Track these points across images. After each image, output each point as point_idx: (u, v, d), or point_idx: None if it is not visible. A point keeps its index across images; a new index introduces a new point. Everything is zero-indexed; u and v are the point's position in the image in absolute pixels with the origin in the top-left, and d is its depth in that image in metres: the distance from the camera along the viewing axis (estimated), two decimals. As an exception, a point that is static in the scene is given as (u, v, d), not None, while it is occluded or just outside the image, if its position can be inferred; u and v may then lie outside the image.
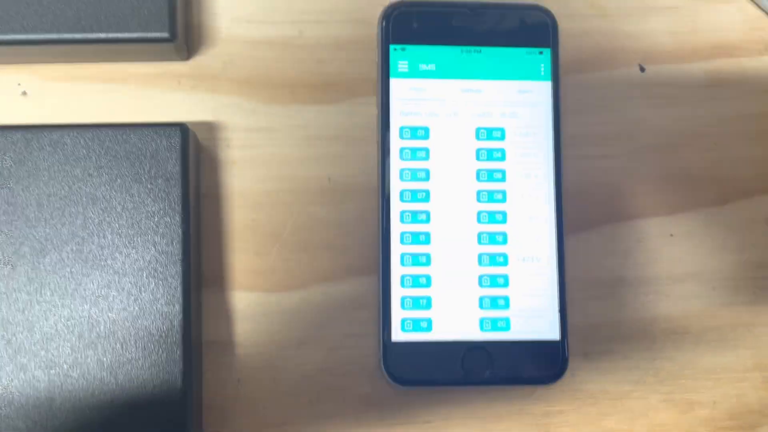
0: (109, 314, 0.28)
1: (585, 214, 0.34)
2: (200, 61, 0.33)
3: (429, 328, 0.31)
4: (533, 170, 0.32)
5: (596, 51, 0.35)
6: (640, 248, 0.34)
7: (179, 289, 0.29)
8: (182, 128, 0.30)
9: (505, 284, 0.31)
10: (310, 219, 0.33)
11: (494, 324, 0.31)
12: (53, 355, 0.28)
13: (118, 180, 0.29)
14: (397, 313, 0.31)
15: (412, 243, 0.31)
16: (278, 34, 0.33)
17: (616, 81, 0.34)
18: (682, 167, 0.34)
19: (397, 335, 0.31)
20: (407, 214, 0.32)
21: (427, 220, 0.32)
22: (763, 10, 0.35)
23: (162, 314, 0.28)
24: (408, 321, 0.31)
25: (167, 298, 0.29)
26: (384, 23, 0.32)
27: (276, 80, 0.33)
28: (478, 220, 0.32)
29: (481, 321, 0.31)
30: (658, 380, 0.33)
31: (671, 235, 0.34)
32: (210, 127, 0.33)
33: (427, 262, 0.31)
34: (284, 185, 0.33)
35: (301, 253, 0.32)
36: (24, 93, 0.32)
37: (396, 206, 0.32)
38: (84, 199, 0.29)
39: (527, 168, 0.32)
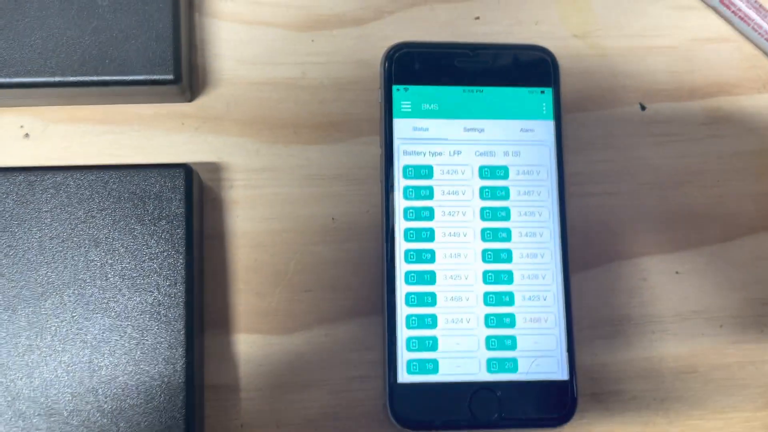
0: (111, 359, 0.28)
1: (589, 252, 0.33)
2: (204, 102, 0.33)
3: (435, 370, 0.30)
4: (537, 208, 0.32)
5: (597, 90, 0.35)
6: (645, 286, 0.33)
7: (182, 332, 0.28)
8: (186, 169, 0.30)
9: (512, 324, 0.31)
10: (314, 259, 0.32)
11: (502, 364, 0.31)
12: (53, 402, 0.28)
13: (121, 222, 0.29)
14: (403, 355, 0.30)
15: (417, 283, 0.31)
16: (281, 75, 0.34)
17: (617, 119, 0.35)
18: (685, 204, 0.34)
19: (404, 377, 0.30)
20: (412, 253, 0.31)
21: (432, 260, 0.31)
22: (760, 48, 0.36)
23: (165, 358, 0.28)
24: (414, 362, 0.30)
25: (170, 341, 0.28)
26: (387, 64, 0.33)
27: (279, 121, 0.33)
28: (484, 260, 0.32)
29: (489, 361, 0.31)
30: (667, 421, 0.32)
31: (677, 272, 0.34)
32: (213, 168, 0.33)
33: (433, 303, 0.31)
34: (287, 225, 0.32)
35: (305, 294, 0.32)
36: (26, 135, 0.32)
37: (400, 245, 0.31)
38: (86, 241, 0.29)
39: (531, 206, 0.32)
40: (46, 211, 0.29)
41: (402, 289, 0.31)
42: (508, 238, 0.32)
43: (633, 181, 0.34)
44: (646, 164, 0.34)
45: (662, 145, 0.35)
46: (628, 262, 0.34)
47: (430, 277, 0.31)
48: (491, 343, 0.31)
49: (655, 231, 0.34)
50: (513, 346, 0.31)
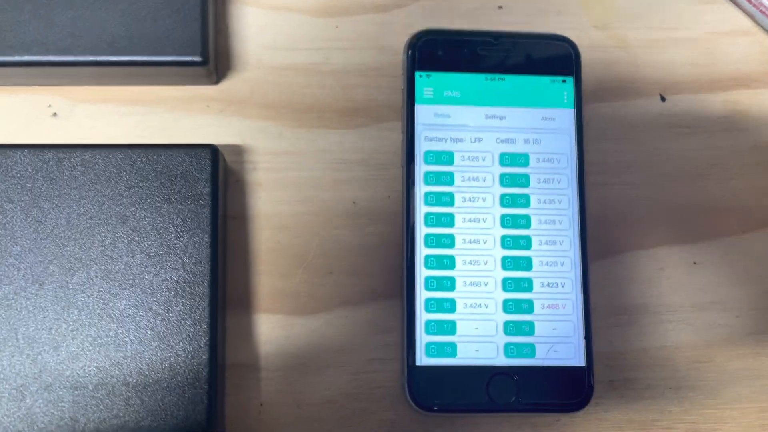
0: (136, 334, 0.28)
1: (607, 241, 0.34)
2: (228, 86, 0.33)
3: (454, 354, 0.31)
4: (557, 196, 0.32)
5: (618, 81, 0.35)
6: (662, 276, 0.34)
7: (207, 309, 0.29)
8: (212, 149, 0.30)
9: (530, 310, 0.31)
10: (335, 242, 0.33)
11: (519, 349, 0.31)
12: (78, 375, 0.28)
13: (148, 200, 0.29)
14: (421, 338, 0.31)
15: (437, 267, 0.31)
16: (305, 60, 0.34)
17: (637, 110, 0.35)
18: (703, 196, 0.35)
19: (422, 360, 0.31)
20: (432, 238, 0.32)
21: (452, 245, 0.32)
22: (781, 42, 0.36)
23: (189, 335, 0.28)
24: (432, 346, 0.31)
25: (194, 318, 0.28)
26: (410, 50, 0.33)
27: (303, 105, 0.34)
28: (503, 245, 0.32)
29: (506, 346, 0.31)
30: (682, 410, 0.33)
31: (694, 263, 0.34)
32: (237, 151, 0.33)
33: (452, 287, 0.31)
34: (309, 208, 0.33)
35: (326, 277, 0.32)
36: (54, 114, 0.33)
37: (420, 230, 0.32)
38: (113, 218, 0.29)
39: (551, 194, 0.33)
40: (74, 188, 0.29)
41: (422, 273, 0.31)
42: (527, 225, 0.32)
43: (652, 172, 0.34)
44: (665, 155, 0.35)
45: (681, 136, 0.35)
46: (645, 252, 0.34)
47: (449, 262, 0.31)
48: (509, 328, 0.31)
49: (673, 222, 0.34)
50: (531, 332, 0.31)
